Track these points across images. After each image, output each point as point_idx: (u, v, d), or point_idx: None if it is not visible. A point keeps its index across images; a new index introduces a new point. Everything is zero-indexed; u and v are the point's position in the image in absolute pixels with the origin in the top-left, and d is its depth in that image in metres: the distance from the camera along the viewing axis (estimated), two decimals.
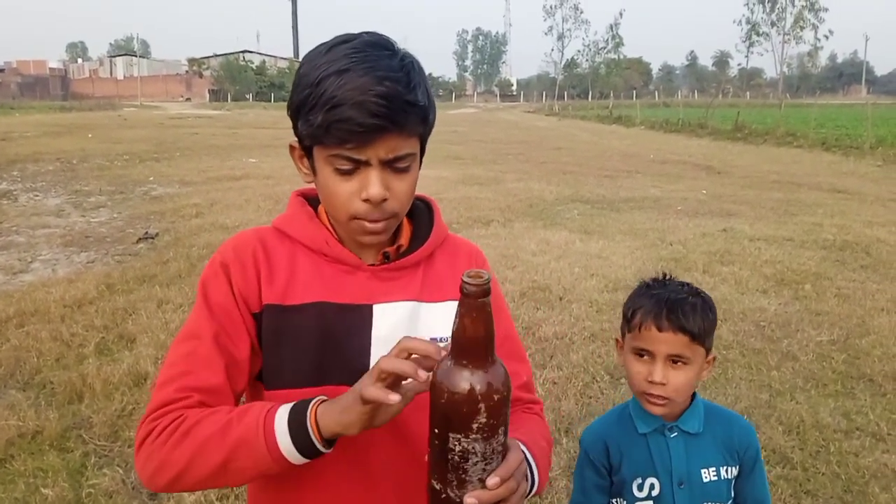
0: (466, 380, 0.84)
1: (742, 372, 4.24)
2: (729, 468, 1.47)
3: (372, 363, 1.09)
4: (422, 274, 1.19)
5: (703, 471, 1.45)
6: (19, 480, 3.04)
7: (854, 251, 7.30)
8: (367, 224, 1.08)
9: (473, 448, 0.85)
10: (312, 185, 1.15)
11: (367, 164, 1.04)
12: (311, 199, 1.21)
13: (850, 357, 4.47)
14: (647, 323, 1.40)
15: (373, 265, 1.16)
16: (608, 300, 5.56)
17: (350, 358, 1.10)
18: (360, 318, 1.12)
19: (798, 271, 6.46)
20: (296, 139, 1.11)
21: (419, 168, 1.14)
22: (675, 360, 1.39)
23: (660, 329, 1.38)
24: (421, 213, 1.25)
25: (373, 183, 1.04)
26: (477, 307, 0.83)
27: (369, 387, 0.89)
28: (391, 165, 1.05)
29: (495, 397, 0.84)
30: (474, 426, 0.84)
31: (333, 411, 0.94)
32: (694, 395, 1.50)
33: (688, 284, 1.47)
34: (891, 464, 3.20)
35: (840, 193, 11.89)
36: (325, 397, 0.98)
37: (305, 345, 1.10)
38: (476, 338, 0.84)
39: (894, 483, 3.06)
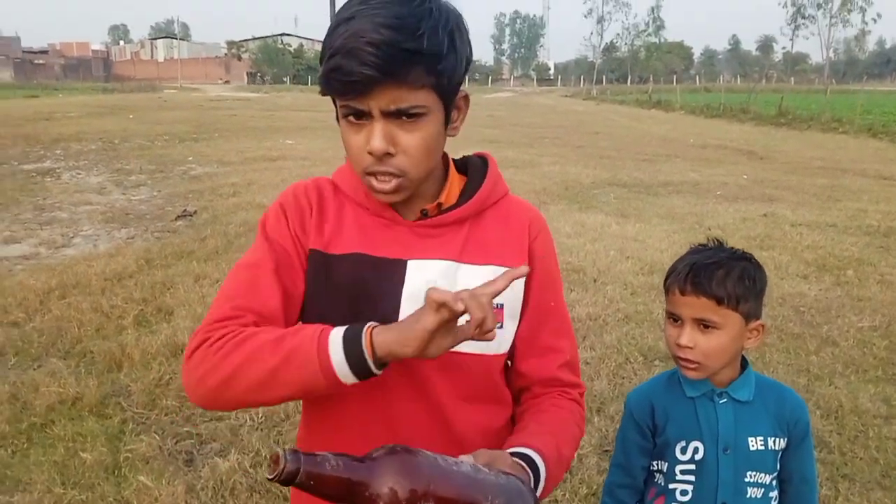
0: None
1: (780, 356, 4.16)
2: (777, 439, 1.45)
3: (401, 319, 1.09)
4: (466, 233, 1.14)
5: (750, 439, 1.43)
6: (59, 444, 3.12)
7: None
8: (375, 182, 1.05)
9: None
10: None
11: (370, 115, 1.01)
12: None
13: (891, 343, 4.37)
14: (673, 287, 1.40)
15: (413, 220, 1.13)
16: (643, 283, 5.50)
17: (381, 311, 1.09)
18: (393, 273, 1.11)
19: (840, 257, 6.32)
20: None
21: (448, 124, 1.08)
22: (704, 324, 1.37)
23: (682, 293, 1.38)
24: (476, 171, 1.20)
25: (374, 135, 1.01)
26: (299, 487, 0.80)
27: (436, 295, 0.88)
28: (397, 118, 1.00)
29: None
30: None
31: (391, 331, 0.93)
32: (746, 364, 1.48)
33: (733, 249, 1.43)
34: None
35: (886, 180, 11.57)
36: (376, 323, 0.96)
37: (340, 294, 1.11)
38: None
39: None
